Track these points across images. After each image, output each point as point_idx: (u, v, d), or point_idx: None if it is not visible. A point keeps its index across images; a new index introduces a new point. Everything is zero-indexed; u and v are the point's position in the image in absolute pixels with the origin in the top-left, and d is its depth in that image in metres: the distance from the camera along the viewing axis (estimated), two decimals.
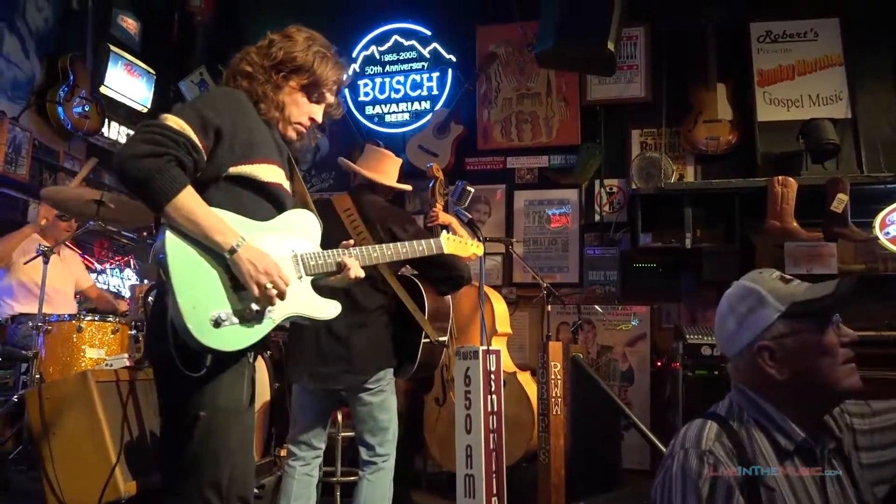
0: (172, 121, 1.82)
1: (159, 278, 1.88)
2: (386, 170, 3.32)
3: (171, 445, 1.89)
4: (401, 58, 6.52)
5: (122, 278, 5.75)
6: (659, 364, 5.39)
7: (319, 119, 2.13)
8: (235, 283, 1.85)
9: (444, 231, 2.75)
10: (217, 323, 1.79)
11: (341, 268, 2.13)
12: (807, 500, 1.39)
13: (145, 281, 4.97)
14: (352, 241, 2.22)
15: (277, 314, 1.94)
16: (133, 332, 4.23)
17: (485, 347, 3.27)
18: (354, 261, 2.15)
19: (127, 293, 5.49)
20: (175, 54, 6.46)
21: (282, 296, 1.91)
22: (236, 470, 1.88)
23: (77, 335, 3.92)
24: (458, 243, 2.76)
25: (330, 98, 2.14)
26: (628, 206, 5.76)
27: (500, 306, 4.53)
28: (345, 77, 2.13)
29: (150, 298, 3.71)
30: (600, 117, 5.99)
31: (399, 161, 3.45)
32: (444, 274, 3.01)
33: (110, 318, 4.09)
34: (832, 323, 1.45)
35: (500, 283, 5.95)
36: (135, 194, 1.78)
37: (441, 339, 3.00)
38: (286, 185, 2.07)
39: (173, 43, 6.51)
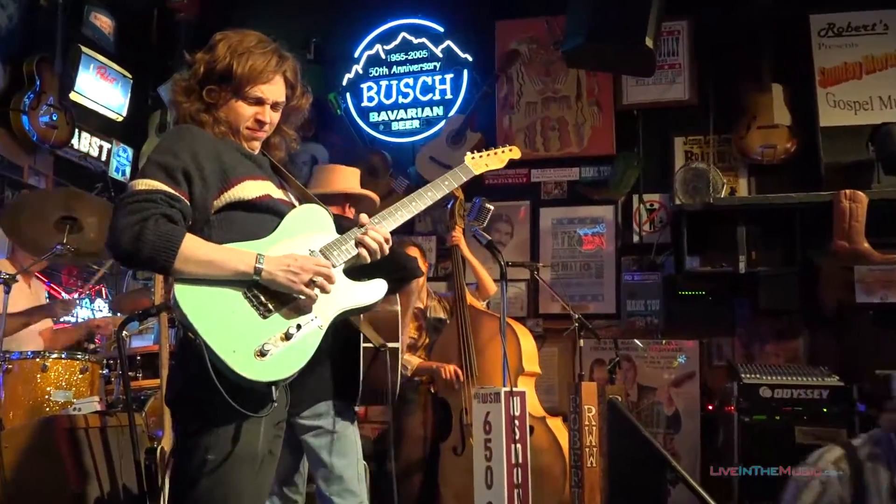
0: (140, 184, 1.97)
1: (183, 333, 2.01)
2: (329, 181, 3.38)
3: (176, 493, 2.01)
4: (409, 57, 6.58)
5: (92, 310, 5.79)
6: (710, 408, 5.34)
7: (266, 118, 2.21)
8: (264, 307, 1.98)
9: (469, 153, 2.75)
10: (263, 353, 1.91)
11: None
12: None
13: (119, 314, 5.00)
14: (365, 215, 2.28)
15: (323, 318, 2.05)
16: (105, 371, 4.25)
17: (507, 388, 3.26)
18: (377, 231, 2.22)
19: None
20: (155, 56, 6.55)
21: (331, 279, 2.05)
22: None
23: (41, 375, 3.94)
24: (487, 157, 2.77)
25: (270, 92, 2.20)
26: (672, 225, 5.75)
27: (527, 342, 4.52)
28: (275, 62, 2.19)
29: (124, 333, 3.76)
30: (638, 123, 6.01)
31: (349, 170, 3.53)
32: (392, 268, 2.89)
33: (79, 356, 4.11)
34: None
35: (524, 315, 5.94)
36: (146, 270, 1.91)
37: (392, 344, 2.79)
38: (276, 194, 2.18)
39: (153, 43, 6.60)
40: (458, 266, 4.58)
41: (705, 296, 5.62)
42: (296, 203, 2.29)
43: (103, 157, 6.12)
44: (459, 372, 4.30)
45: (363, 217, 2.27)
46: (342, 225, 2.31)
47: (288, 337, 1.96)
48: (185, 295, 1.92)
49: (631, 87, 6.02)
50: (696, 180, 5.75)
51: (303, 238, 2.14)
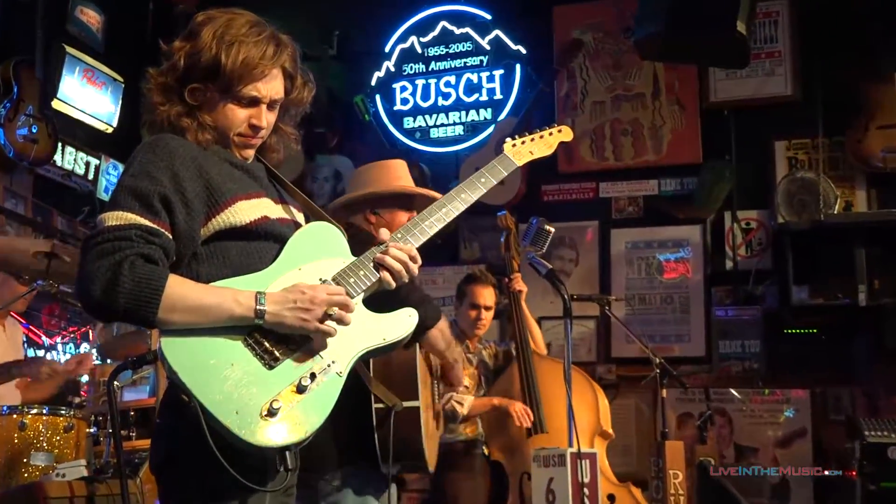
0: (111, 218, 1.94)
1: (169, 389, 1.99)
2: (380, 178, 3.36)
3: None
4: (451, 51, 6.64)
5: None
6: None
7: (263, 122, 2.17)
8: (269, 355, 1.95)
9: (509, 139, 2.63)
10: (272, 413, 1.88)
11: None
12: None
13: (108, 361, 5.07)
14: (386, 230, 2.24)
15: (342, 363, 2.02)
16: (93, 429, 4.30)
17: (574, 449, 3.23)
18: (400, 249, 2.17)
19: (84, 377, 5.60)
20: (149, 55, 6.67)
21: (349, 308, 2.01)
22: None
23: (18, 434, 4.00)
24: (531, 143, 2.65)
25: (267, 90, 2.15)
26: (774, 248, 5.70)
27: (604, 402, 4.55)
28: (272, 51, 2.13)
29: (115, 384, 3.80)
30: (730, 125, 5.97)
31: (400, 163, 3.46)
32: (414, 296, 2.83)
33: (63, 412, 4.18)
34: None
35: (593, 360, 5.91)
36: (125, 322, 1.88)
37: (408, 403, 2.83)
38: (275, 212, 2.15)
39: (147, 41, 6.72)
40: (518, 305, 4.60)
41: (817, 334, 5.53)
42: (299, 219, 2.27)
43: (90, 176, 6.24)
44: (530, 413, 4.28)
45: (384, 232, 2.22)
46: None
47: (301, 390, 1.93)
48: (174, 347, 1.91)
49: (720, 81, 5.99)
50: (802, 193, 5.68)
51: (311, 267, 2.11)
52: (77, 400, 4.74)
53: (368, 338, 2.09)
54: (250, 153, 2.22)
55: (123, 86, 6.37)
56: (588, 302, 5.28)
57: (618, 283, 6.03)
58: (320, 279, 2.08)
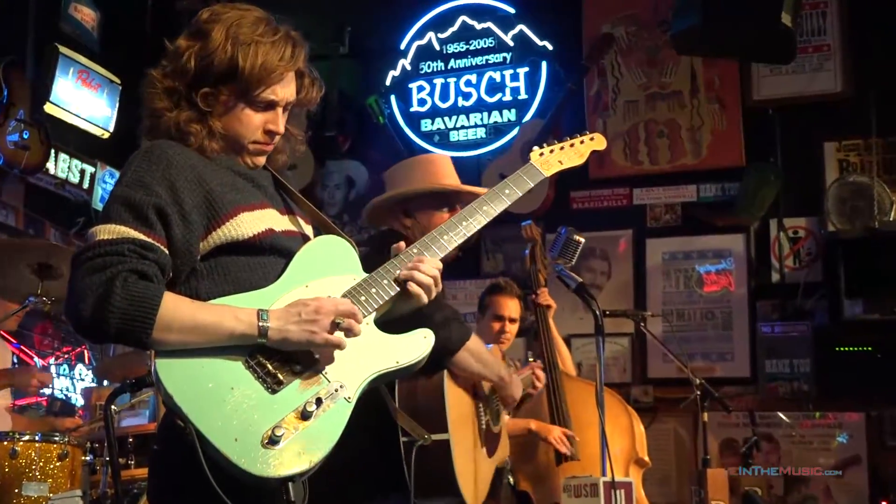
0: (102, 232, 1.95)
1: (166, 415, 2.00)
2: (428, 174, 3.35)
3: None
4: (471, 48, 6.66)
5: (72, 378, 5.91)
6: (884, 503, 5.20)
7: (281, 128, 2.20)
8: (272, 377, 1.95)
9: (537, 148, 2.61)
10: (274, 441, 1.87)
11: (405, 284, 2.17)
12: None
13: (105, 383, 5.10)
14: (402, 244, 2.24)
15: (351, 387, 2.01)
16: (89, 457, 4.32)
17: (608, 478, 3.22)
18: (428, 265, 2.17)
19: (80, 400, 5.63)
20: (150, 55, 6.70)
21: (357, 317, 2.01)
22: None
23: (10, 462, 4.03)
24: (560, 152, 2.63)
25: (284, 93, 2.18)
26: (824, 259, 5.69)
27: (640, 428, 4.54)
28: (290, 53, 2.15)
29: (113, 408, 3.83)
30: (775, 125, 5.96)
31: (445, 157, 3.45)
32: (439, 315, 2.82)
33: (56, 438, 4.21)
34: None
35: (628, 381, 5.90)
36: (119, 343, 1.93)
37: (437, 436, 2.83)
38: (281, 224, 2.16)
39: (147, 39, 6.78)
40: (545, 323, 4.58)
41: (872, 352, 5.50)
42: (307, 231, 2.29)
43: (85, 185, 6.28)
44: (569, 436, 4.25)
45: (399, 245, 2.23)
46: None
47: (306, 416, 1.92)
48: (170, 370, 1.91)
49: (764, 77, 5.98)
50: (855, 199, 5.66)
51: (318, 284, 2.11)
52: (72, 425, 4.77)
53: (380, 360, 2.08)
54: (262, 160, 2.24)
55: (121, 88, 6.40)
56: (622, 318, 5.29)
57: (654, 297, 6.02)
58: (328, 297, 2.07)
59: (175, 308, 1.91)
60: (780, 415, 5.49)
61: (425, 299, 2.16)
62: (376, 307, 2.12)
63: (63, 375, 5.87)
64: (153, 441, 3.96)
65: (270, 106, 2.16)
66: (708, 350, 5.87)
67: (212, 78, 2.11)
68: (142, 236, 1.94)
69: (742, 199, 5.90)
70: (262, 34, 2.12)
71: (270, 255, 2.11)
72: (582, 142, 2.71)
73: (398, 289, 2.16)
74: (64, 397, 5.76)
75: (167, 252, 1.98)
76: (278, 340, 1.94)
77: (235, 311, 1.95)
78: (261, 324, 1.93)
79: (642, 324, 5.20)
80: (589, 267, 6.06)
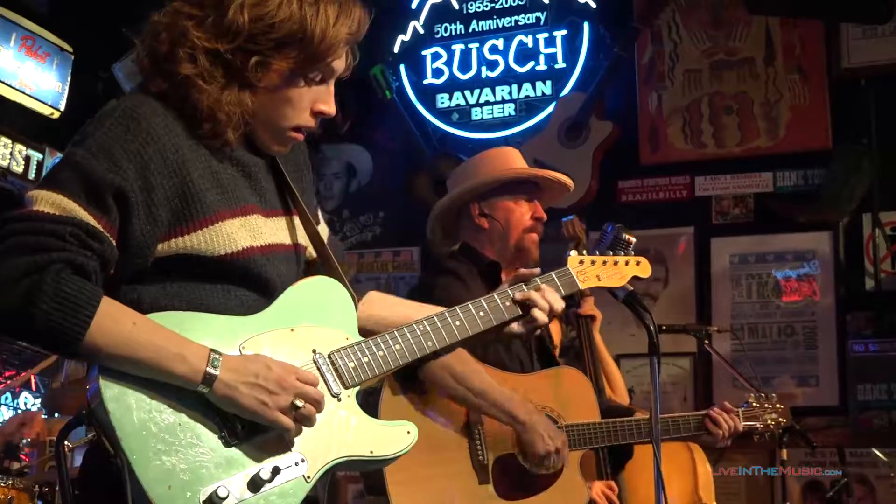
0: (44, 201, 1.91)
1: (99, 434, 1.99)
2: (503, 162, 3.46)
3: None
4: (497, 6, 6.69)
5: (15, 409, 5.96)
6: None
7: (332, 108, 2.21)
8: (229, 428, 1.98)
9: (575, 253, 2.79)
10: (214, 502, 1.92)
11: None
12: None
13: (56, 415, 5.17)
14: (524, 271, 2.46)
15: (312, 466, 2.06)
16: (38, 503, 4.43)
17: None
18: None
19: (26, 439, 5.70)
20: (107, 19, 6.75)
21: (319, 406, 2.02)
22: None
23: None
24: (601, 267, 2.81)
25: (341, 64, 2.20)
26: None
27: (705, 467, 4.57)
28: (360, 14, 2.14)
29: (66, 444, 3.91)
30: (868, 99, 6.00)
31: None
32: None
33: (0, 480, 4.31)
34: None
35: (692, 407, 5.90)
36: (37, 346, 1.91)
37: None
38: (262, 236, 2.14)
39: (104, 2, 6.86)
40: (589, 337, 4.63)
41: None
42: (300, 237, 2.29)
43: (31, 174, 6.36)
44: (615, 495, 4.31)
45: (523, 273, 2.43)
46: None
47: (255, 486, 1.95)
48: (114, 387, 1.92)
49: (855, 41, 5.96)
50: None
51: (307, 331, 2.15)
52: (17, 466, 4.83)
53: (353, 445, 2.13)
54: (285, 149, 2.24)
55: (73, 58, 6.48)
56: (681, 334, 5.32)
57: (721, 309, 6.08)
58: (313, 350, 2.12)
59: (111, 320, 1.90)
60: (876, 451, 5.53)
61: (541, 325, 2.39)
62: (364, 379, 2.17)
63: (5, 405, 5.90)
64: None
65: (323, 81, 2.16)
66: (787, 373, 5.92)
67: (270, 41, 2.04)
68: (90, 220, 1.91)
69: (829, 189, 5.94)
70: None
71: (237, 281, 2.09)
72: (627, 263, 2.89)
73: (390, 366, 2.22)
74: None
75: (114, 245, 1.95)
76: (221, 397, 1.94)
77: (184, 346, 1.93)
78: (208, 369, 1.92)
79: (706, 341, 5.23)
80: None
